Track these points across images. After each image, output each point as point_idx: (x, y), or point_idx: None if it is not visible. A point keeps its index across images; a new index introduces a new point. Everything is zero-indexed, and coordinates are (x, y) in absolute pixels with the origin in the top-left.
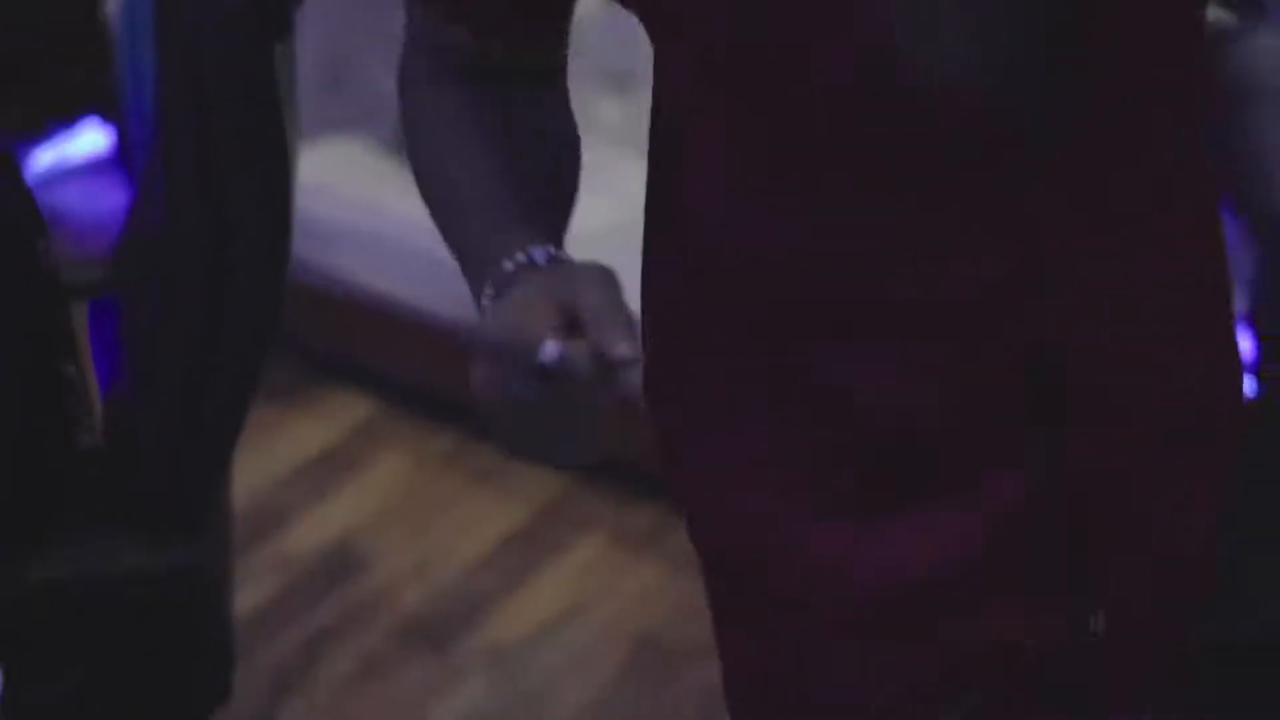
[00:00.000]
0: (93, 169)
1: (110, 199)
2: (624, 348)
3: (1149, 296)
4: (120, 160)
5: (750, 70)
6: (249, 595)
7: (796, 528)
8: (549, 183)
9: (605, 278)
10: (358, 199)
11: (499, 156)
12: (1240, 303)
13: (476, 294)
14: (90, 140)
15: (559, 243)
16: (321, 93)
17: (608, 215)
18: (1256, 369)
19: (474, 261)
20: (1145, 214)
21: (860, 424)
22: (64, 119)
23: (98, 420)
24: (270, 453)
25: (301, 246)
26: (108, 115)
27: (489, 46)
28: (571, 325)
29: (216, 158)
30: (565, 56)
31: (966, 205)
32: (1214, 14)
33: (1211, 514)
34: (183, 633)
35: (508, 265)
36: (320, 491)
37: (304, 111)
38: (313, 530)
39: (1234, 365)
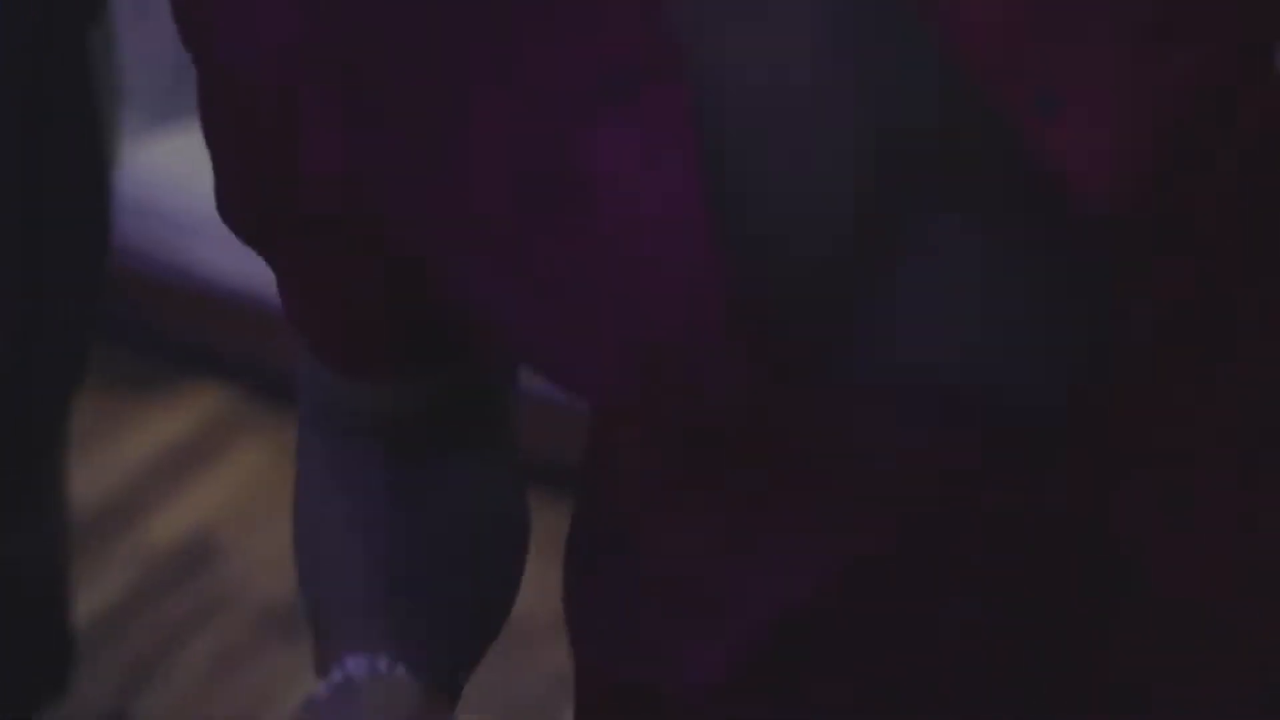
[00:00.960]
0: None
1: None
2: None
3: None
4: None
5: None
6: (105, 588)
7: None
8: (435, 576)
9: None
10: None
11: (363, 537)
12: None
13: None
14: None
15: (425, 648)
16: (177, 81)
17: None
18: None
19: (316, 663)
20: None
21: None
22: None
23: None
24: (127, 445)
25: (158, 237)
26: None
27: (379, 399)
28: None
29: (31, 136)
30: (499, 415)
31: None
32: None
33: None
34: (11, 624)
35: (322, 690)
36: (178, 483)
37: (159, 101)
38: (170, 522)
39: None
